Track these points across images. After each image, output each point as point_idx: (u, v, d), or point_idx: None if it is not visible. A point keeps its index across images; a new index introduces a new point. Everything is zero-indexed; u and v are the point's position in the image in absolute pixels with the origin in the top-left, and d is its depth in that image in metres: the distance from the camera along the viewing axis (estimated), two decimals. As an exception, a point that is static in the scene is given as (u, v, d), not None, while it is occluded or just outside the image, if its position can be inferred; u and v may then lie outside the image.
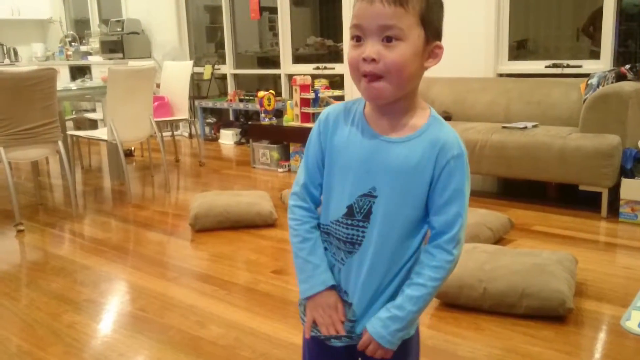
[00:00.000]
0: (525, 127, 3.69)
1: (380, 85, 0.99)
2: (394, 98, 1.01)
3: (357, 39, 0.99)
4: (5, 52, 7.92)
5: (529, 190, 3.91)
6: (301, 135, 4.69)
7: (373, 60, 0.97)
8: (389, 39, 0.96)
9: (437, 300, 2.29)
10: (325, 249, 1.09)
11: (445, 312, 2.24)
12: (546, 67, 4.44)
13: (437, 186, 1.01)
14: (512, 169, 3.61)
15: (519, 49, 4.79)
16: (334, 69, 5.69)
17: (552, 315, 2.12)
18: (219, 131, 6.56)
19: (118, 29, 7.01)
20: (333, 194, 1.07)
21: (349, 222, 1.04)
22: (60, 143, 3.73)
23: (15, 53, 8.02)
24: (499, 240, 2.93)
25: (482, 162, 3.68)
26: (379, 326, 1.03)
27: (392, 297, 1.05)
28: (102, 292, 2.58)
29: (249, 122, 5.68)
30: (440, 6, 1.02)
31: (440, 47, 1.03)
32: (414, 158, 1.01)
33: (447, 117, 4.31)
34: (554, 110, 3.95)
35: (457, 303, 2.24)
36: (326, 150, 1.08)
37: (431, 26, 1.00)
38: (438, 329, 2.11)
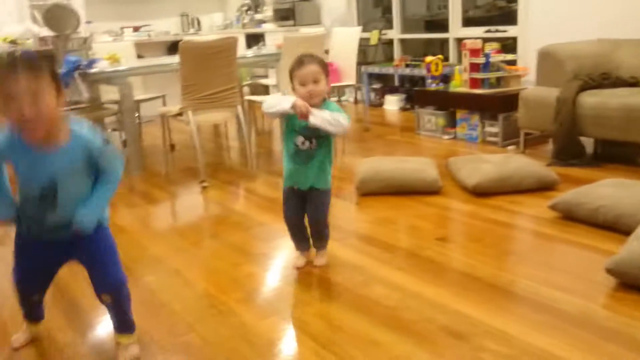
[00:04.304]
0: None
1: None
2: None
3: None
4: (190, 22, 8.58)
5: None
6: (469, 102, 4.56)
7: None
8: None
9: (614, 280, 2.15)
10: None
11: (625, 293, 2.09)
12: None
13: None
14: None
15: None
16: (506, 31, 5.41)
17: None
18: (383, 97, 6.59)
19: (290, -3, 7.27)
20: None
21: None
22: (239, 107, 4.01)
23: (198, 22, 8.66)
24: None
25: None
26: None
27: None
28: (275, 247, 2.77)
29: (415, 88, 5.64)
30: None
31: None
32: None
33: (634, 83, 3.92)
34: None
35: (638, 284, 2.09)
36: None
37: None
38: (616, 310, 1.98)
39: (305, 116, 2.15)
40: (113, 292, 1.82)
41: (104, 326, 2.09)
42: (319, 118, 2.15)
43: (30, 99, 1.45)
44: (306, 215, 2.43)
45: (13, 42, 5.20)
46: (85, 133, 1.63)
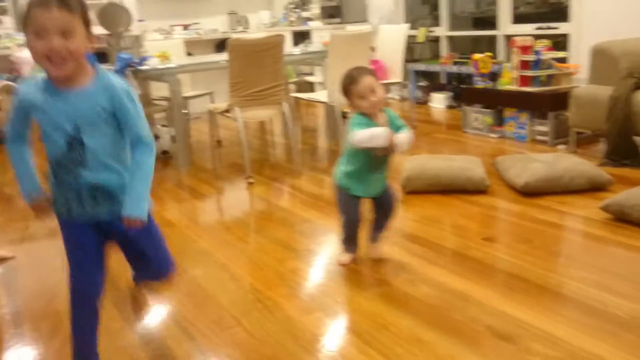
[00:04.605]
0: None
1: None
2: None
3: None
4: (238, 20, 8.69)
5: None
6: (518, 100, 4.48)
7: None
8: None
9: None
10: None
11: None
12: None
13: None
14: None
15: None
16: (557, 28, 5.29)
17: None
18: (430, 94, 6.53)
19: (337, -6, 7.27)
20: None
21: None
22: (285, 105, 4.04)
23: (246, 20, 8.76)
24: None
25: None
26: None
27: None
28: (320, 244, 2.79)
29: (462, 86, 5.57)
30: None
31: None
32: None
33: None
34: None
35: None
36: None
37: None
38: (670, 315, 1.93)
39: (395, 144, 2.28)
40: (163, 280, 1.87)
41: (153, 316, 2.14)
42: (402, 145, 2.31)
43: (60, 33, 1.44)
44: (379, 209, 2.50)
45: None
46: (110, 75, 1.59)
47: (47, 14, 1.43)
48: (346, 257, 2.51)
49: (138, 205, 1.60)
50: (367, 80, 2.25)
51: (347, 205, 2.45)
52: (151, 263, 1.81)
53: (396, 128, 2.32)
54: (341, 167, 2.43)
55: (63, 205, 1.64)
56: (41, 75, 1.56)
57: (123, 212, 1.60)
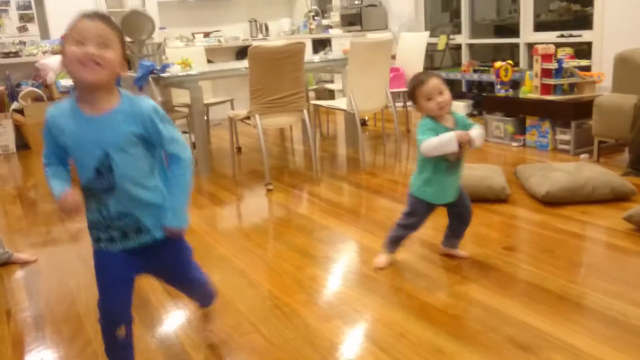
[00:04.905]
0: None
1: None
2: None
3: None
4: (258, 27, 8.75)
5: None
6: (540, 108, 4.44)
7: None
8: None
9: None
10: None
11: None
12: None
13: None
14: None
15: None
16: (580, 36, 5.24)
17: None
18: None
19: (357, 2, 7.28)
20: None
21: None
22: (305, 112, 4.06)
23: (266, 28, 8.81)
24: None
25: None
26: None
27: None
28: (339, 251, 2.78)
29: (483, 94, 5.54)
30: None
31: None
32: None
33: None
34: None
35: None
36: None
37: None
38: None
39: (468, 142, 2.28)
40: (202, 294, 1.94)
41: (171, 322, 2.16)
42: (477, 140, 2.30)
43: (97, 44, 1.47)
44: (456, 216, 2.55)
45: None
46: (136, 98, 1.58)
47: (90, 23, 1.48)
48: (384, 260, 2.53)
49: (179, 216, 1.63)
50: (433, 82, 2.27)
51: (419, 213, 2.48)
52: (191, 288, 1.89)
53: (465, 127, 2.32)
54: (417, 175, 2.45)
55: (94, 235, 1.64)
56: (67, 100, 1.56)
57: (164, 223, 1.62)
